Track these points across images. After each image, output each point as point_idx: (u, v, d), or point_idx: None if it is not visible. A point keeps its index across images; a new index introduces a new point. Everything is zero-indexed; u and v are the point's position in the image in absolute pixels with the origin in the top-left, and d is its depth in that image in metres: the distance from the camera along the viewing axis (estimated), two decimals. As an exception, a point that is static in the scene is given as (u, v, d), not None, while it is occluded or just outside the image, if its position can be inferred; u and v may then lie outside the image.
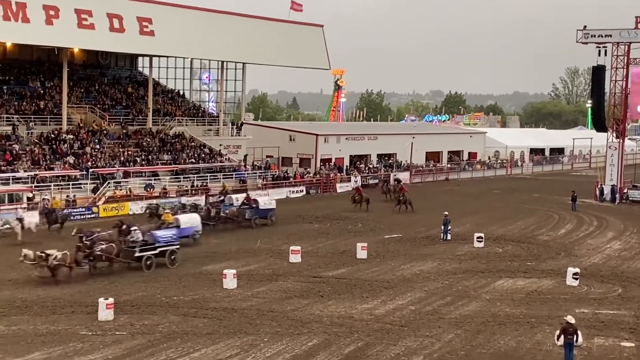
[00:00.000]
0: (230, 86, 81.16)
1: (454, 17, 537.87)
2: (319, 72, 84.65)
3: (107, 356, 22.39)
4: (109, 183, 55.51)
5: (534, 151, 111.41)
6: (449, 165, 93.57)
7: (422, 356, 23.10)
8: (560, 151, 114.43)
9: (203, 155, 66.95)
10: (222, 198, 51.29)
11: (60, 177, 54.21)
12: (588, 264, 38.17)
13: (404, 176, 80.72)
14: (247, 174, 67.22)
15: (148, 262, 34.38)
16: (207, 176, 63.13)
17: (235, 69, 79.08)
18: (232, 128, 75.55)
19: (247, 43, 69.18)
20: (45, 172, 53.77)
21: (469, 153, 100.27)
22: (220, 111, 76.09)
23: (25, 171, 52.74)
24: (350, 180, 73.68)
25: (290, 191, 66.45)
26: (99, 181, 55.61)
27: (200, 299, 29.44)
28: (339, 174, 75.27)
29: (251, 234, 45.07)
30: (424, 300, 30.19)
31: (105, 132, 63.22)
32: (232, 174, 65.69)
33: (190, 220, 41.78)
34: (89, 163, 57.24)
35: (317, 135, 79.91)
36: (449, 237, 44.36)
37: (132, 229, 35.63)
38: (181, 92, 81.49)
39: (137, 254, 34.35)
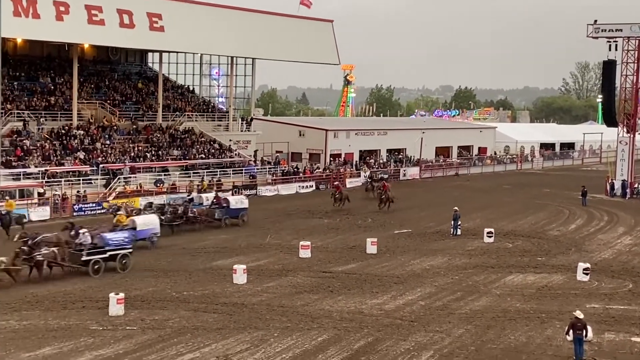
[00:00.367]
0: (239, 81, 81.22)
1: (464, 11, 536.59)
2: (329, 67, 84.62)
3: (117, 351, 22.46)
4: (119, 178, 55.65)
5: (544, 146, 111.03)
6: (458, 161, 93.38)
7: (432, 351, 23.09)
8: (570, 146, 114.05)
9: (213, 150, 67.05)
10: (191, 197, 48.97)
11: (70, 173, 54.39)
12: (598, 259, 38.08)
13: (414, 171, 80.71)
14: (257, 169, 67.27)
15: (96, 267, 32.36)
16: (217, 171, 63.22)
17: (245, 64, 79.08)
18: (241, 123, 75.61)
19: (257, 38, 69.17)
20: (55, 167, 53.96)
21: (479, 148, 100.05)
22: (229, 106, 76.19)
23: (35, 166, 52.95)
24: (360, 176, 73.65)
25: (299, 186, 66.48)
26: (109, 176, 55.76)
27: (211, 294, 29.49)
28: (348, 169, 75.21)
29: (260, 229, 45.09)
30: (434, 295, 30.17)
31: (115, 127, 63.36)
32: (242, 170, 65.75)
33: (148, 222, 39.14)
34: (99, 158, 57.40)
35: (326, 130, 79.89)
36: (459, 232, 44.31)
37: (80, 231, 33.52)
38: (191, 88, 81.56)
39: (84, 258, 32.35)
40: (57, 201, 49.29)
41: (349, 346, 23.34)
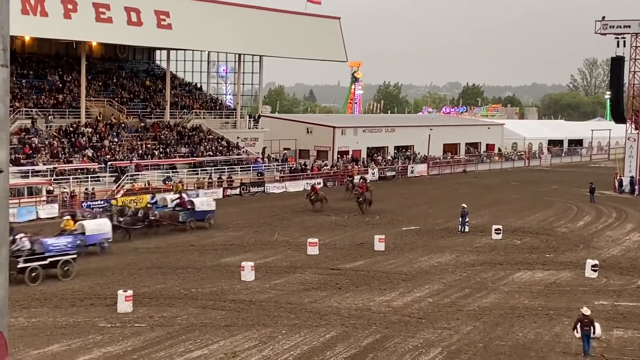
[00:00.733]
0: (247, 79, 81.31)
1: (472, 8, 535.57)
2: (336, 64, 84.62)
3: (126, 348, 22.51)
4: (127, 176, 55.76)
5: (552, 143, 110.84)
6: (466, 157, 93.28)
7: (440, 348, 23.08)
8: (578, 143, 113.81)
9: (220, 148, 67.11)
10: (154, 199, 46.76)
11: (78, 170, 54.50)
12: (607, 255, 38.00)
13: (422, 168, 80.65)
14: (265, 166, 67.33)
15: (33, 274, 30.35)
16: (224, 169, 63.30)
17: (252, 61, 79.10)
18: (249, 121, 75.66)
19: (264, 36, 69.19)
20: (64, 165, 54.09)
21: (487, 145, 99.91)
22: (237, 104, 76.24)
23: (44, 164, 53.08)
24: (367, 172, 73.64)
25: (307, 183, 66.44)
26: (117, 174, 55.88)
27: (219, 291, 29.53)
28: (356, 166, 75.20)
29: (268, 227, 45.12)
30: (442, 292, 30.16)
31: (123, 125, 63.47)
32: (250, 167, 65.83)
33: (99, 227, 36.89)
34: (108, 156, 57.52)
35: (334, 127, 79.88)
36: (466, 229, 44.26)
37: (17, 237, 31.03)
38: (198, 85, 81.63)
39: (20, 265, 30.20)
40: (65, 199, 49.42)
41: (357, 343, 23.35)
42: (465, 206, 45.14)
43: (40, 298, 27.88)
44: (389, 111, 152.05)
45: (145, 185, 55.93)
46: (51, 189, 50.16)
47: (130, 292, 26.65)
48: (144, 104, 69.39)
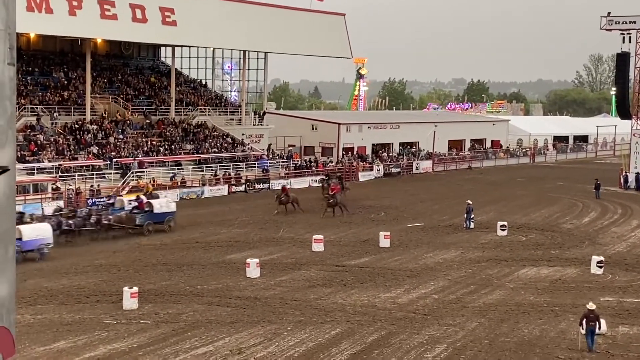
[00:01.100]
0: (252, 75, 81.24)
1: (477, 3, 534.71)
2: (341, 60, 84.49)
3: (131, 344, 22.55)
4: (132, 172, 55.82)
5: (558, 139, 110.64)
6: (471, 154, 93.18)
7: (446, 345, 23.08)
8: (584, 139, 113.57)
9: (225, 144, 67.15)
10: (111, 201, 45.04)
11: (84, 167, 54.58)
12: (612, 252, 37.96)
13: (427, 165, 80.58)
14: (270, 163, 67.35)
15: None
16: (229, 165, 63.34)
17: (257, 58, 79.12)
18: (254, 117, 75.68)
19: (269, 32, 69.17)
20: (69, 162, 54.17)
21: (492, 141, 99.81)
22: (242, 100, 76.23)
23: (49, 161, 53.16)
24: (372, 169, 73.64)
25: (312, 180, 66.46)
26: (122, 170, 55.94)
27: (224, 287, 29.56)
28: (361, 163, 75.19)
29: (274, 223, 45.10)
30: (447, 289, 30.16)
31: (128, 122, 63.52)
32: (255, 163, 65.86)
33: (37, 232, 34.98)
34: (113, 153, 57.59)
35: (339, 124, 79.86)
36: (472, 225, 44.22)
37: None
38: (203, 82, 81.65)
39: None
40: (71, 196, 49.49)
41: (362, 340, 23.36)
42: (470, 202, 45.10)
43: (46, 295, 27.94)
44: (394, 108, 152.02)
45: (149, 182, 55.96)
46: (57, 186, 50.19)
47: (135, 289, 26.69)
48: (149, 101, 69.46)
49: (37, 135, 55.80)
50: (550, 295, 29.16)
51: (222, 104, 77.13)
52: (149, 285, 29.40)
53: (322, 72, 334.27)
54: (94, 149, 57.31)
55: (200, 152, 63.78)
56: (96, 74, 66.54)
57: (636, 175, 65.36)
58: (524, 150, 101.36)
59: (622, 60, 66.69)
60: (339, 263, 34.43)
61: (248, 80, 79.20)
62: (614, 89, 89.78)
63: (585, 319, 22.78)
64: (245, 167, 64.29)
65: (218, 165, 62.61)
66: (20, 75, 60.56)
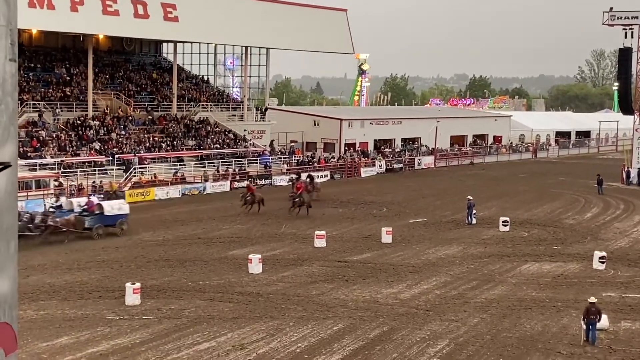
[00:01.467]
0: (254, 71, 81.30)
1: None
2: (343, 56, 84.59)
3: (134, 340, 22.57)
4: (134, 169, 55.85)
5: (560, 134, 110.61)
6: (473, 149, 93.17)
7: (448, 340, 23.09)
8: (586, 134, 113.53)
9: (227, 140, 67.16)
10: (58, 203, 42.15)
11: (86, 163, 54.61)
12: (615, 247, 37.94)
13: (429, 160, 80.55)
14: (272, 159, 67.36)
15: None
16: (231, 161, 63.36)
17: (259, 54, 79.06)
18: (256, 113, 75.66)
19: (271, 28, 69.14)
20: (71, 158, 54.20)
21: (494, 137, 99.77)
22: (244, 96, 76.22)
23: (51, 157, 53.19)
24: (374, 165, 73.64)
25: (314, 176, 66.41)
26: (124, 167, 55.97)
27: (226, 283, 29.58)
28: (363, 159, 75.20)
29: (276, 219, 45.10)
30: (450, 284, 30.16)
31: (130, 118, 63.54)
32: (257, 159, 65.87)
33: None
34: (115, 149, 57.61)
35: (341, 120, 79.83)
36: (474, 221, 44.21)
37: None
38: (205, 78, 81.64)
39: None
40: (73, 191, 49.51)
41: (364, 335, 23.38)
42: (471, 198, 45.10)
43: (49, 291, 27.96)
44: (396, 103, 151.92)
45: (151, 178, 56.01)
46: (61, 181, 50.21)
47: (138, 285, 26.71)
48: (151, 97, 69.47)
49: (39, 132, 55.83)
50: (553, 291, 29.16)
51: (224, 99, 77.12)
52: (152, 281, 29.42)
53: (324, 67, 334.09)
54: (96, 145, 57.35)
55: (202, 148, 63.79)
56: (98, 70, 66.56)
57: (638, 171, 65.33)
58: (525, 145, 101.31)
59: (625, 55, 66.58)
60: (341, 259, 34.44)
61: (250, 76, 79.22)
62: (616, 84, 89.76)
63: (587, 313, 22.93)
64: (247, 163, 64.27)
65: (220, 161, 62.60)
66: (22, 72, 60.59)
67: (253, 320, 24.62)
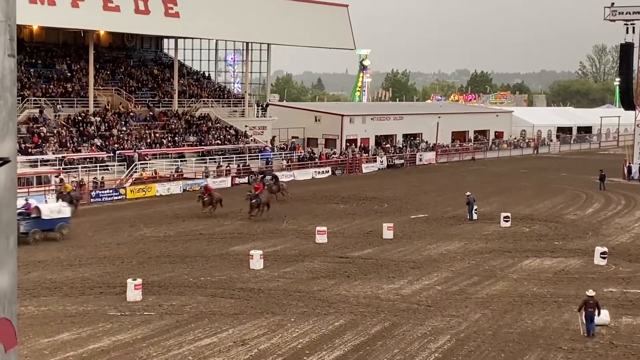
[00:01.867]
0: (255, 67, 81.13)
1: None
2: (344, 52, 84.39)
3: (135, 336, 22.58)
4: (135, 165, 55.85)
5: (561, 130, 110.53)
6: (475, 145, 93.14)
7: (449, 336, 23.09)
8: (587, 130, 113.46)
9: (229, 136, 67.15)
10: None
11: (87, 159, 54.63)
12: (616, 243, 37.94)
13: (430, 156, 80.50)
14: (273, 154, 67.35)
15: None
16: (232, 157, 63.36)
17: (260, 50, 79.00)
18: (257, 109, 75.62)
19: (272, 24, 69.10)
20: (72, 154, 54.20)
21: (496, 132, 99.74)
22: (245, 92, 76.20)
23: (53, 153, 53.19)
24: (376, 161, 73.61)
25: (315, 172, 66.52)
26: (125, 163, 55.97)
27: (227, 279, 29.59)
28: (364, 154, 75.20)
29: (277, 215, 45.07)
30: (451, 280, 30.16)
31: (131, 114, 63.53)
32: (258, 155, 65.86)
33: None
34: (116, 145, 57.61)
35: (342, 115, 79.77)
36: (475, 216, 44.20)
37: None
38: (206, 74, 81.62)
39: None
40: (74, 188, 49.50)
41: (365, 331, 23.38)
42: (470, 194, 45.07)
43: (50, 287, 27.96)
44: (397, 99, 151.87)
45: (152, 174, 56.02)
46: (62, 177, 50.20)
47: (139, 281, 26.71)
48: (152, 93, 69.46)
49: (40, 128, 55.85)
50: (554, 286, 29.15)
51: (225, 95, 77.10)
52: (153, 277, 29.42)
53: (326, 63, 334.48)
54: (97, 141, 57.35)
55: (203, 144, 63.79)
56: (99, 66, 66.55)
57: (640, 166, 65.33)
58: (527, 141, 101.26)
59: (626, 50, 66.51)
60: (342, 255, 34.44)
61: (251, 72, 79.11)
62: (617, 79, 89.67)
63: (585, 306, 23.07)
64: (249, 159, 64.26)
65: (221, 157, 62.60)
66: (23, 68, 60.62)
67: (254, 316, 24.63)
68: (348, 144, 77.95)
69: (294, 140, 76.24)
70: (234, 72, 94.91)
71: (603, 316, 23.71)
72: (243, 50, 78.01)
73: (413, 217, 45.31)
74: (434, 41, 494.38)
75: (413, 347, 22.12)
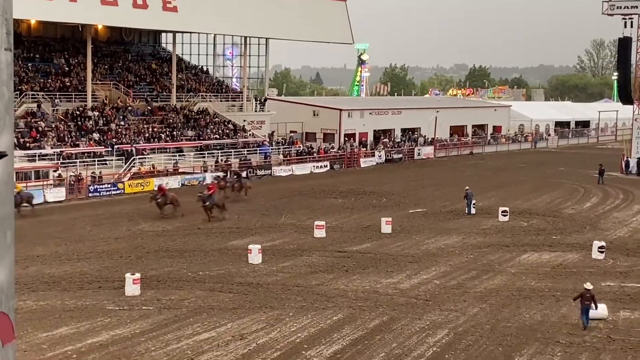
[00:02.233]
0: (253, 61, 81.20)
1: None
2: (343, 46, 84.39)
3: (134, 331, 22.59)
4: (133, 159, 55.82)
5: (560, 124, 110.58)
6: (473, 139, 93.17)
7: (447, 330, 23.11)
8: (585, 124, 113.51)
9: (227, 131, 67.10)
10: None
11: (85, 154, 54.59)
12: (614, 237, 37.95)
13: (428, 150, 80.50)
14: (271, 149, 67.32)
15: None
16: (231, 152, 63.33)
17: (259, 44, 79.01)
18: (255, 104, 75.58)
19: (270, 18, 69.02)
20: (70, 149, 54.16)
21: (494, 127, 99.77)
22: (243, 87, 76.14)
23: (51, 148, 53.16)
24: (374, 155, 73.60)
25: (314, 166, 66.50)
26: (123, 157, 55.94)
27: (226, 274, 29.59)
28: (362, 149, 75.19)
29: (275, 210, 45.10)
30: (449, 274, 30.17)
31: (129, 108, 63.47)
32: (256, 150, 65.84)
33: None
34: (114, 140, 57.56)
35: (340, 110, 79.77)
36: (473, 211, 44.20)
37: None
38: (205, 68, 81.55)
39: None
40: (72, 182, 49.53)
41: (364, 325, 23.40)
42: (468, 188, 45.08)
43: (49, 281, 27.96)
44: (396, 93, 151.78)
45: (150, 169, 55.99)
46: (59, 173, 50.19)
47: (137, 275, 26.72)
48: (150, 87, 69.39)
49: (38, 122, 55.79)
50: (552, 281, 29.18)
51: (223, 90, 77.04)
52: (151, 272, 29.42)
53: (324, 58, 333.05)
54: (95, 136, 57.30)
55: (201, 138, 63.75)
56: (97, 61, 66.45)
57: (638, 161, 65.32)
58: (525, 135, 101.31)
59: (624, 45, 66.46)
60: (340, 249, 34.45)
61: (249, 67, 79.16)
62: (615, 74, 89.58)
63: (581, 298, 23.28)
64: (247, 154, 64.22)
65: (220, 151, 62.56)
66: (21, 62, 60.53)
67: (253, 311, 24.64)
68: (346, 138, 77.96)
69: (292, 134, 76.21)
70: (232, 66, 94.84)
71: (601, 310, 23.76)
72: (241, 44, 77.89)
73: (411, 211, 45.31)
74: (432, 35, 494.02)
75: (411, 341, 22.14)
